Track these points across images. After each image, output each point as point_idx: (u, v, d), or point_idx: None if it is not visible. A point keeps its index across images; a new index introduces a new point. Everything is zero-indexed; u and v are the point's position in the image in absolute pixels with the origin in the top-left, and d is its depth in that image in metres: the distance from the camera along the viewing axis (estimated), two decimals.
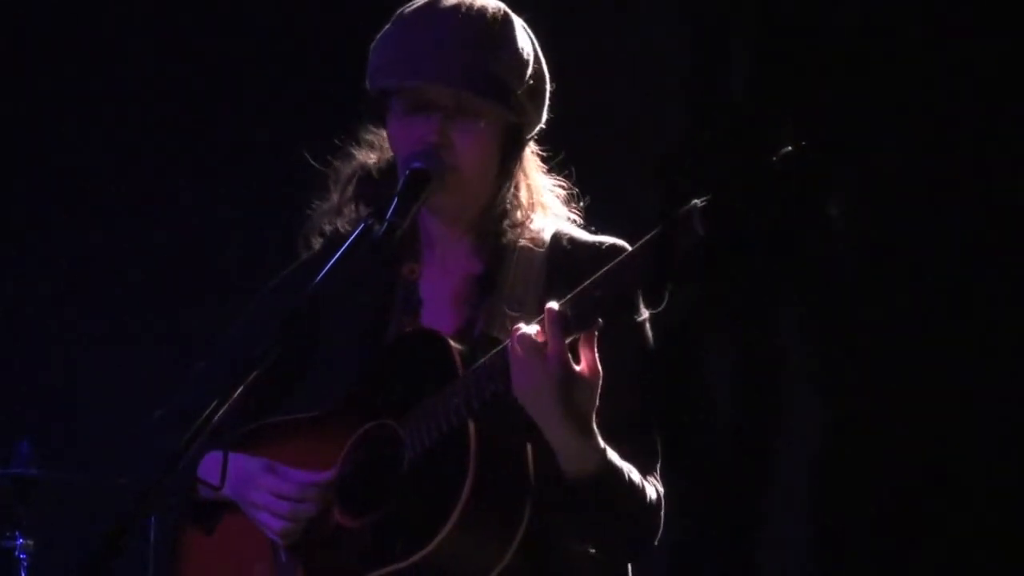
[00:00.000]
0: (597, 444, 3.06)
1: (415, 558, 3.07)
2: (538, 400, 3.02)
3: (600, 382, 3.02)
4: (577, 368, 3.01)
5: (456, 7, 3.28)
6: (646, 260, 2.95)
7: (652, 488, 3.18)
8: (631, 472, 3.13)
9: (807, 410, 5.04)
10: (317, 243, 3.48)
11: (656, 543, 3.22)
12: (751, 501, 5.16)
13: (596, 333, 3.01)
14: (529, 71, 3.30)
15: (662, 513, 3.20)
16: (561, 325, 2.99)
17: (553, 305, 3.01)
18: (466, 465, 3.07)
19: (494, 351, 3.10)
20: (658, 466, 3.23)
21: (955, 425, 4.69)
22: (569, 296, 3.02)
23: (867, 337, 4.89)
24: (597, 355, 3.02)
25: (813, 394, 5.03)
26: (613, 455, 3.09)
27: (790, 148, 2.83)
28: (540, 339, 3.01)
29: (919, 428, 4.75)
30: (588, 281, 3.01)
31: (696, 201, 2.87)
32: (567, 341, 3.00)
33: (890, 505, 4.82)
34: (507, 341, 3.07)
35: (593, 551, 3.23)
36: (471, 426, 3.10)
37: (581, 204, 3.44)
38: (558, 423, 3.03)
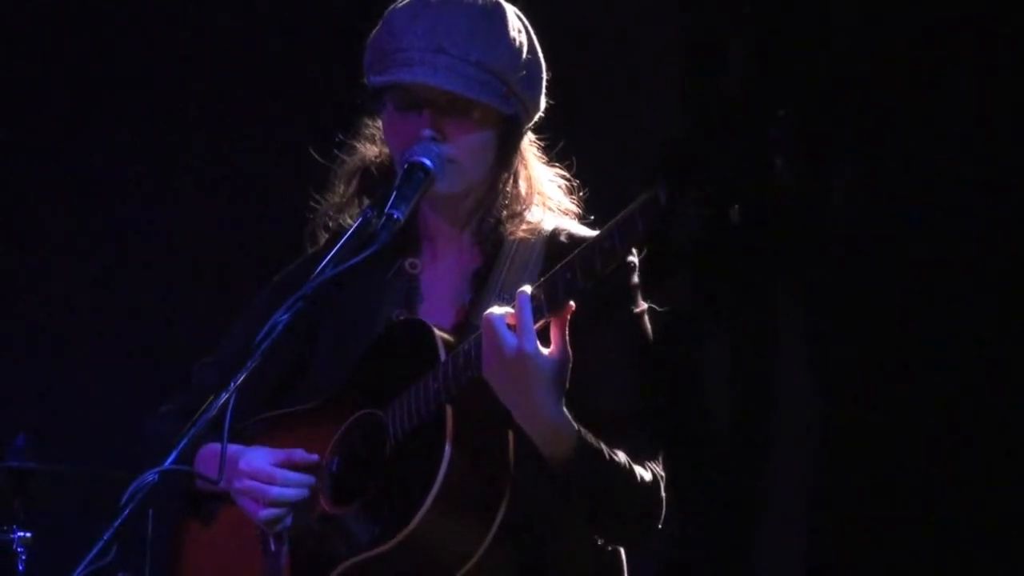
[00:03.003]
0: (570, 426, 3.07)
1: (392, 543, 3.08)
2: (505, 381, 3.04)
3: (570, 365, 3.04)
4: (545, 351, 3.02)
5: (446, 0, 3.28)
6: (614, 241, 2.96)
7: (646, 470, 3.18)
8: (614, 453, 3.13)
9: (804, 405, 5.04)
10: (322, 238, 3.49)
11: (660, 526, 3.22)
12: (747, 496, 5.16)
13: (568, 317, 3.03)
14: (522, 61, 3.29)
15: (662, 495, 3.20)
16: (530, 307, 3.01)
17: (525, 288, 3.03)
18: (442, 449, 3.08)
19: (472, 337, 3.12)
20: (659, 455, 3.22)
21: (954, 419, 4.69)
22: (540, 280, 3.04)
23: (864, 330, 4.89)
24: (568, 339, 3.03)
25: (810, 389, 5.03)
26: (590, 437, 3.10)
27: (773, 128, 2.83)
28: (510, 321, 3.02)
29: (917, 420, 4.75)
30: (559, 264, 3.03)
31: (658, 172, 2.88)
32: (539, 324, 3.02)
33: (888, 499, 4.82)
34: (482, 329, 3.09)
35: (599, 541, 3.24)
36: (449, 411, 3.11)
37: (581, 194, 3.44)
38: (526, 405, 3.04)
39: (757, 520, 5.16)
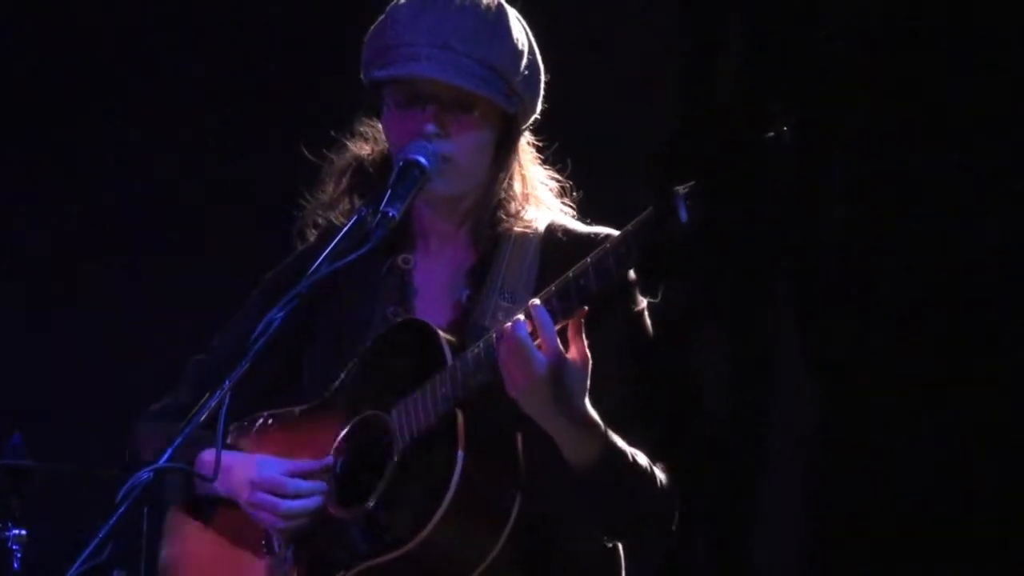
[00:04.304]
0: (599, 430, 3.07)
1: (404, 549, 3.08)
2: (534, 395, 3.03)
3: (590, 368, 3.03)
4: (568, 357, 3.01)
5: None
6: (629, 247, 2.96)
7: (661, 473, 3.19)
8: (637, 456, 3.13)
9: (800, 405, 5.04)
10: (312, 236, 3.49)
11: (673, 530, 3.22)
12: (744, 497, 5.16)
13: (582, 320, 3.02)
14: (524, 61, 3.31)
15: (676, 499, 3.21)
16: (550, 318, 3.00)
17: (536, 301, 3.03)
18: (455, 455, 3.08)
19: (481, 341, 3.11)
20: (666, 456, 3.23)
21: (952, 418, 4.69)
22: (553, 285, 3.04)
23: (861, 329, 4.89)
24: (586, 342, 3.03)
25: (806, 389, 5.03)
26: (616, 439, 3.10)
27: (773, 133, 2.84)
28: (528, 328, 3.01)
29: (916, 418, 4.75)
30: (572, 269, 3.02)
31: (679, 188, 2.88)
32: (555, 329, 3.01)
33: (885, 500, 4.82)
34: (493, 331, 3.09)
35: (610, 544, 3.24)
36: (459, 415, 3.11)
37: (575, 195, 3.44)
38: (556, 414, 3.03)
39: (757, 520, 5.16)
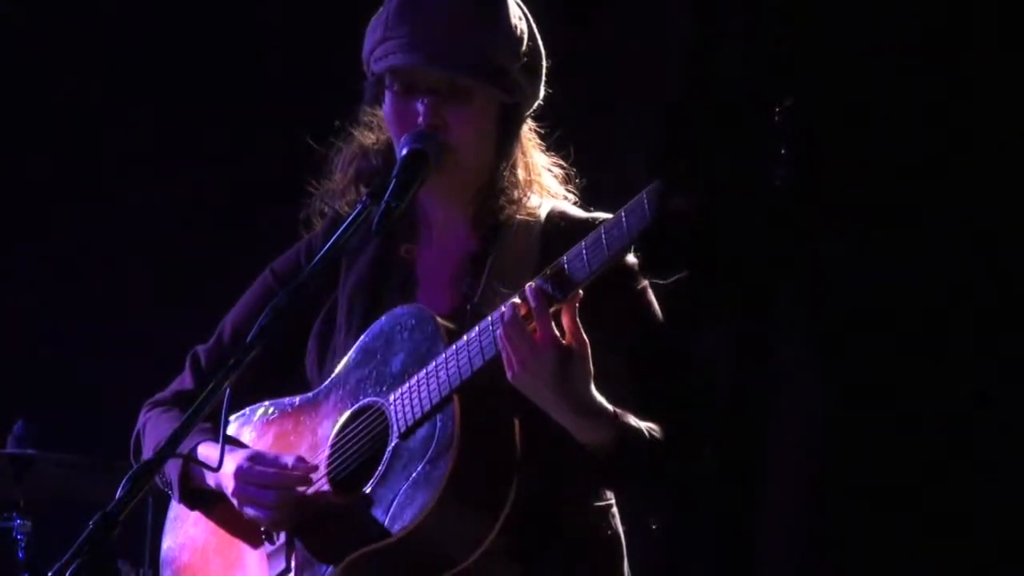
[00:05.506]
0: (607, 410, 3.07)
1: (401, 535, 3.08)
2: (531, 380, 3.03)
3: (588, 350, 3.03)
4: (565, 343, 3.01)
5: None
6: (622, 229, 2.96)
7: (659, 431, 3.17)
8: (653, 430, 3.13)
9: (802, 397, 5.03)
10: (318, 224, 3.48)
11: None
12: (745, 486, 5.15)
13: (577, 305, 3.02)
14: (523, 49, 3.29)
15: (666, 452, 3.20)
16: (542, 301, 3.00)
17: (531, 285, 3.03)
18: (451, 440, 3.08)
19: (477, 326, 3.11)
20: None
21: (956, 410, 4.68)
22: (548, 269, 3.04)
23: (865, 320, 4.88)
24: (581, 327, 3.02)
25: (809, 380, 5.02)
26: (629, 417, 3.09)
27: (779, 120, 2.83)
28: (523, 312, 3.01)
29: (918, 409, 4.74)
30: (566, 253, 3.03)
31: (676, 172, 2.87)
32: (549, 313, 3.01)
33: (888, 492, 4.81)
34: (489, 317, 3.09)
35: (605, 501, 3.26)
36: (456, 401, 3.11)
37: (578, 182, 3.43)
38: (556, 400, 3.04)
39: (754, 515, 5.15)
